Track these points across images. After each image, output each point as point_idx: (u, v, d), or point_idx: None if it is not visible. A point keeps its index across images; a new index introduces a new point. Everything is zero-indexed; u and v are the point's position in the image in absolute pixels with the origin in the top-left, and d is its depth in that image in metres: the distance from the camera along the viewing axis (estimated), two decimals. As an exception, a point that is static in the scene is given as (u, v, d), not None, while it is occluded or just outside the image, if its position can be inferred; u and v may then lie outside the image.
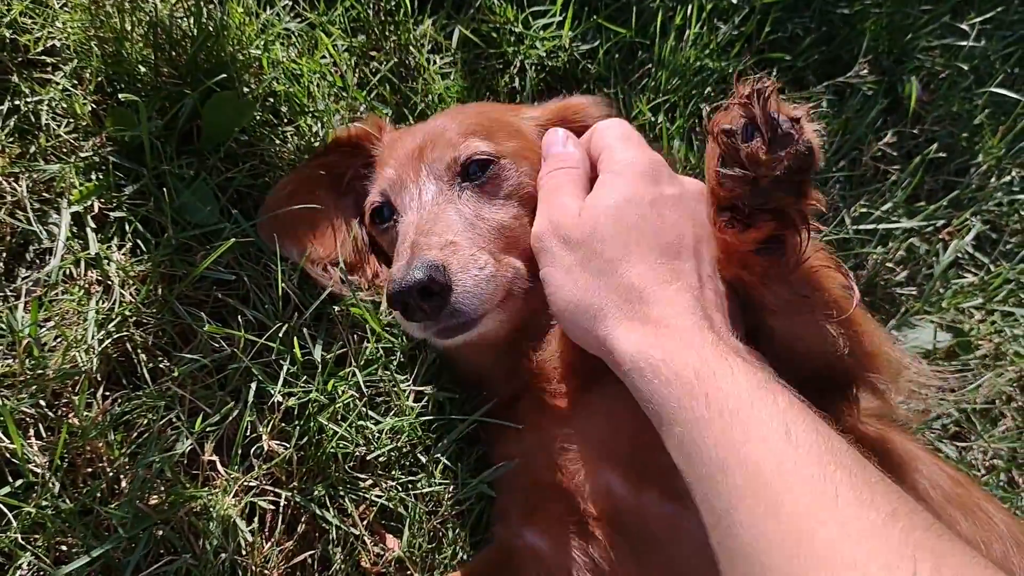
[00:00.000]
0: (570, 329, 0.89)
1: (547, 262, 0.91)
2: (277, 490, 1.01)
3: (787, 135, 0.74)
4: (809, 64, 1.58)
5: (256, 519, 1.01)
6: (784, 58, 1.54)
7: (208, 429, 1.01)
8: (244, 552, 0.97)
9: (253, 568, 0.97)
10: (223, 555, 0.95)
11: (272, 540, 1.00)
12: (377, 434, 1.08)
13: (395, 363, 1.14)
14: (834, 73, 1.60)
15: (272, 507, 1.01)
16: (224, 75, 1.11)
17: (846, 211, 1.48)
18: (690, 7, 1.44)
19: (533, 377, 1.03)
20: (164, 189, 1.06)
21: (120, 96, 1.08)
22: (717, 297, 0.85)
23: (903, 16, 1.65)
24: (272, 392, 1.03)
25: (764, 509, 0.63)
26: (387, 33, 1.32)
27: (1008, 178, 1.63)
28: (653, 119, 1.39)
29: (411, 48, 1.33)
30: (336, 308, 1.12)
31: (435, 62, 1.35)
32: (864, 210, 1.49)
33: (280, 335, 1.05)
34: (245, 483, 1.01)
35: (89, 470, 0.98)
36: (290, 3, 1.31)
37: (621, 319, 0.82)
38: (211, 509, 0.97)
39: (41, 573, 0.90)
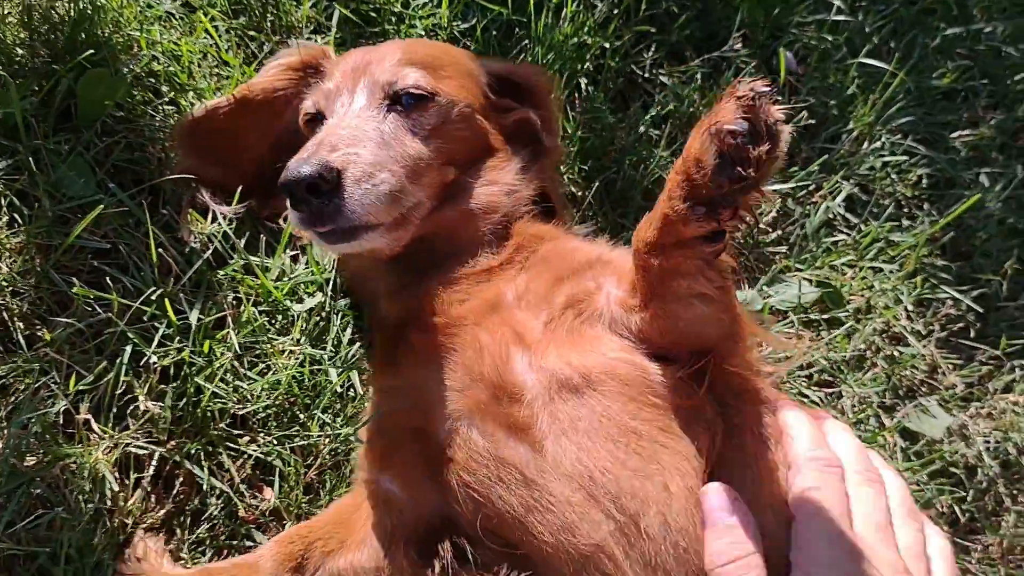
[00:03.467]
0: None
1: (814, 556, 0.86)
2: (153, 448, 1.06)
3: (775, 137, 0.74)
4: (685, 39, 1.66)
5: (133, 475, 1.06)
6: (659, 34, 1.62)
7: (84, 390, 1.06)
8: (112, 504, 1.02)
9: (121, 518, 1.02)
10: (91, 506, 1.00)
11: (146, 493, 1.05)
12: (253, 393, 1.12)
13: (276, 326, 1.19)
14: (711, 48, 1.68)
15: (147, 460, 1.06)
16: (97, 54, 1.16)
17: (721, 177, 1.56)
18: (567, -14, 1.50)
19: (416, 318, 1.07)
20: (40, 164, 1.10)
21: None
22: None
23: (778, -7, 1.73)
24: (146, 353, 1.08)
25: None
26: (268, 15, 1.37)
27: (878, 143, 1.73)
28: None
29: (292, 30, 1.38)
30: (220, 273, 1.17)
31: (317, 42, 1.40)
32: (738, 175, 1.57)
33: (155, 300, 1.10)
34: (120, 440, 1.05)
35: (-33, 434, 1.02)
36: (170, -13, 1.35)
37: None
38: (83, 465, 1.01)
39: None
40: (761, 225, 1.56)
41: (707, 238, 0.83)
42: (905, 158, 1.73)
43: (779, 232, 1.58)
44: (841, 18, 1.80)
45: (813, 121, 1.68)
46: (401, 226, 1.03)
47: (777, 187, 1.58)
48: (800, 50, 1.77)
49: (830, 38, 1.77)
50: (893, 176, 1.73)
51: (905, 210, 1.74)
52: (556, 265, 1.06)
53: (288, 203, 0.96)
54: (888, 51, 1.84)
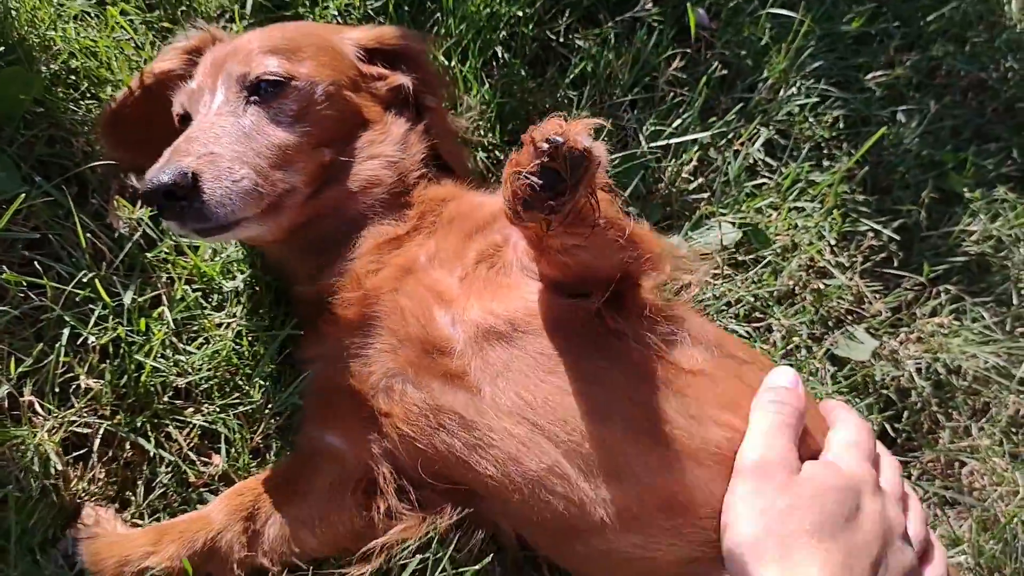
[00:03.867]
0: (731, 561, 0.92)
1: (739, 490, 0.93)
2: (96, 422, 1.10)
3: (580, 164, 0.78)
4: (598, 2, 1.71)
5: (82, 451, 1.10)
6: (575, -1, 1.67)
7: (26, 372, 1.09)
8: (61, 481, 1.05)
9: (71, 494, 1.05)
10: (40, 483, 1.03)
11: (92, 467, 1.09)
12: (193, 365, 1.16)
13: (211, 303, 1.23)
14: (623, 10, 1.73)
15: (92, 437, 1.09)
16: (12, 54, 1.19)
17: (641, 132, 1.61)
18: (476, -42, 1.55)
19: (334, 295, 1.11)
20: (-37, 163, 1.13)
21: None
22: None
23: (688, -48, 1.79)
24: (83, 334, 1.12)
25: None
26: (180, 5, 1.41)
27: (793, 89, 1.79)
28: (447, 62, 1.50)
29: (207, 19, 1.42)
30: (150, 256, 1.21)
31: (233, 30, 1.44)
32: (657, 128, 1.63)
33: (87, 283, 1.13)
34: (66, 419, 1.09)
35: (-87, 426, 1.05)
36: (83, -14, 1.39)
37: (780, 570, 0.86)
38: (29, 446, 1.05)
39: None
40: (684, 175, 1.62)
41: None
42: (820, 100, 1.80)
43: (701, 180, 1.64)
44: (749, -29, 1.87)
45: (726, 72, 1.74)
46: (275, 213, 1.06)
47: (697, 136, 1.63)
48: (712, 6, 1.83)
49: (741, -9, 1.83)
50: (811, 120, 1.79)
51: (824, 151, 1.80)
52: (463, 223, 1.10)
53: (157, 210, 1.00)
54: (798, 0, 1.90)
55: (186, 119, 1.12)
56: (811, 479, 0.92)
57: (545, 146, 0.76)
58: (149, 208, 0.99)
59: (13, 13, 1.24)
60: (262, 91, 1.08)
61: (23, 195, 1.09)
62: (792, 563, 0.85)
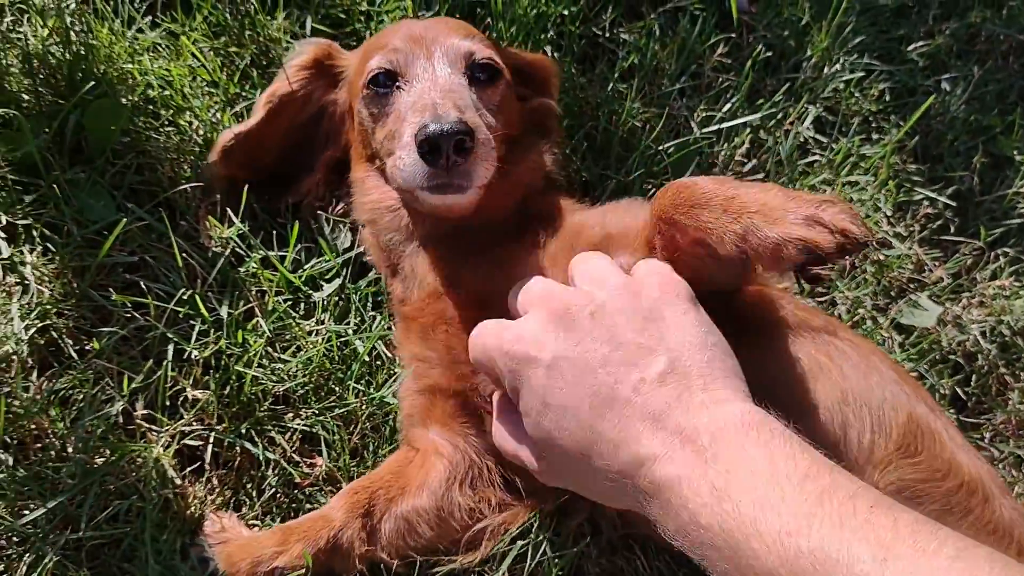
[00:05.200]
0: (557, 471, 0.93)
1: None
2: (205, 431, 1.15)
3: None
4: (640, -5, 1.75)
5: (194, 460, 1.15)
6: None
7: (138, 389, 1.15)
8: (179, 489, 1.11)
9: (190, 502, 1.11)
10: (162, 493, 1.09)
11: (207, 476, 1.14)
12: (289, 372, 1.22)
13: (300, 312, 1.29)
14: (665, 1, 1.76)
15: (204, 447, 1.15)
16: (97, 87, 1.25)
17: (692, 119, 1.65)
18: (519, -38, 1.59)
19: (449, 291, 1.15)
20: (62, 194, 1.20)
21: (8, 118, 1.21)
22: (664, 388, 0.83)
23: (723, -61, 1.82)
24: (187, 349, 1.18)
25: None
26: (246, 32, 1.46)
27: (837, 66, 1.81)
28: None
29: (273, 41, 1.48)
30: (242, 271, 1.26)
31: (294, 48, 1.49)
32: (708, 114, 1.66)
33: (187, 300, 1.19)
34: (178, 430, 1.15)
35: (38, 445, 1.11)
36: (151, 20, 1.45)
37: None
38: (147, 458, 1.11)
39: (7, 530, 1.04)
40: (737, 157, 1.65)
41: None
42: (864, 75, 1.81)
43: (755, 161, 1.67)
44: (785, -46, 1.89)
45: (770, 54, 1.76)
46: (483, 188, 1.09)
47: (746, 119, 1.66)
48: (751, -10, 1.86)
49: (779, -26, 1.85)
50: (856, 94, 1.81)
51: (872, 124, 1.82)
52: (572, 242, 1.12)
53: (417, 155, 1.01)
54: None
55: (390, 78, 1.14)
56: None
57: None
58: (424, 150, 0.99)
59: (93, 50, 1.30)
60: (479, 76, 1.13)
61: (124, 221, 1.15)
62: None
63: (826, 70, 1.81)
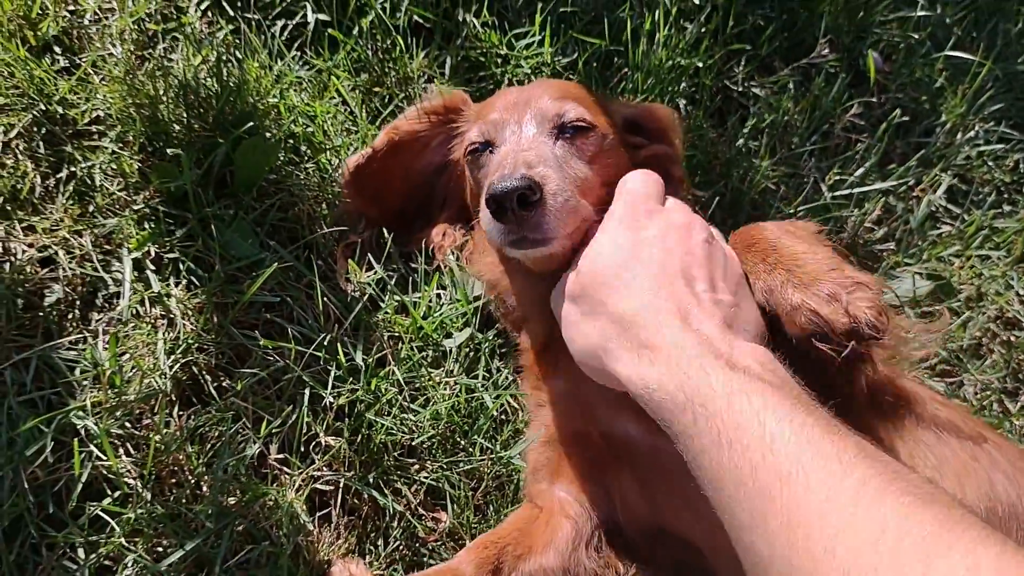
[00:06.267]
0: (591, 373, 0.98)
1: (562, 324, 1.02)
2: (336, 478, 1.15)
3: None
4: (774, 50, 1.72)
5: (321, 506, 1.15)
6: (749, 48, 1.67)
7: (273, 433, 1.15)
8: (309, 536, 1.11)
9: (318, 548, 1.11)
10: (294, 539, 1.09)
11: (335, 523, 1.14)
12: (419, 423, 1.21)
13: (428, 360, 1.28)
14: (798, 56, 1.73)
15: (333, 493, 1.15)
16: (249, 123, 1.26)
17: (822, 181, 1.61)
18: (657, 12, 1.57)
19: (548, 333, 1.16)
20: (209, 230, 1.21)
21: (168, 151, 1.23)
22: (717, 308, 0.90)
23: (857, -4, 1.78)
24: (323, 395, 1.18)
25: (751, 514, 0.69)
26: (387, 70, 1.46)
27: (972, 133, 1.76)
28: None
29: (410, 81, 1.48)
30: (379, 316, 1.26)
31: (433, 90, 1.49)
32: (839, 177, 1.62)
33: (325, 345, 1.19)
34: (308, 475, 1.15)
35: (174, 480, 1.12)
36: (298, 54, 1.46)
37: (622, 351, 0.89)
38: (280, 502, 1.11)
39: (145, 570, 1.04)
40: (867, 224, 1.60)
41: None
42: (1001, 145, 1.76)
43: (885, 229, 1.62)
44: (922, 13, 1.84)
45: (907, 118, 1.72)
46: (575, 233, 1.09)
47: (878, 186, 1.62)
48: (885, 48, 1.81)
49: (914, 34, 1.81)
50: (990, 164, 1.76)
51: (1005, 196, 1.76)
52: None
53: (490, 214, 1.04)
54: (972, 41, 1.87)
55: (482, 148, 1.21)
56: (585, 264, 1.02)
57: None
58: (492, 209, 1.03)
59: (245, 84, 1.31)
60: (567, 132, 1.16)
61: (274, 265, 1.15)
62: None
63: (959, 136, 1.76)
